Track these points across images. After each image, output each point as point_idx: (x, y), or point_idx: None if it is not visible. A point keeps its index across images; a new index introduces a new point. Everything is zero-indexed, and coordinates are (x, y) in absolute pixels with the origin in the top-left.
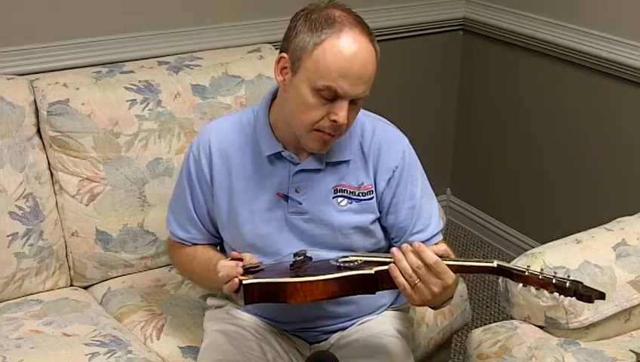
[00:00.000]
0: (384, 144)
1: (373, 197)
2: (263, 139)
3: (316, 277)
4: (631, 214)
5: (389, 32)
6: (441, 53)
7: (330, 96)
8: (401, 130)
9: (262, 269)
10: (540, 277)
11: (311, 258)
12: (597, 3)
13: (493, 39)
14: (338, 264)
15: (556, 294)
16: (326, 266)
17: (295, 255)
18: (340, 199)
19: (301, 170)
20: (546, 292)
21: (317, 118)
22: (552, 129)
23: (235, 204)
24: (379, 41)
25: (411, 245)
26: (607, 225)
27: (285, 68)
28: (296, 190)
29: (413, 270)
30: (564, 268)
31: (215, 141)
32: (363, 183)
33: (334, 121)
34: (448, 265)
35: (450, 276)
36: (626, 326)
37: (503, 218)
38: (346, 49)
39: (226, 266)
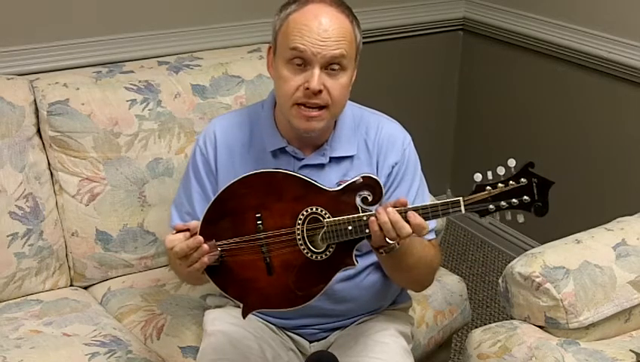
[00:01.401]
0: (387, 141)
1: None
2: (267, 135)
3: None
4: (631, 214)
5: (389, 32)
6: (441, 53)
7: (300, 62)
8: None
9: (222, 257)
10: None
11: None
12: (597, 3)
13: (493, 39)
14: (315, 256)
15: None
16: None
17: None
18: None
19: (305, 166)
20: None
21: (293, 88)
22: (552, 129)
23: None
24: (379, 41)
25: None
26: (607, 225)
27: (271, 59)
28: None
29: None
30: (563, 268)
31: (220, 135)
32: None
33: (307, 88)
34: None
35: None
36: (626, 326)
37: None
38: (307, 14)
39: (177, 240)
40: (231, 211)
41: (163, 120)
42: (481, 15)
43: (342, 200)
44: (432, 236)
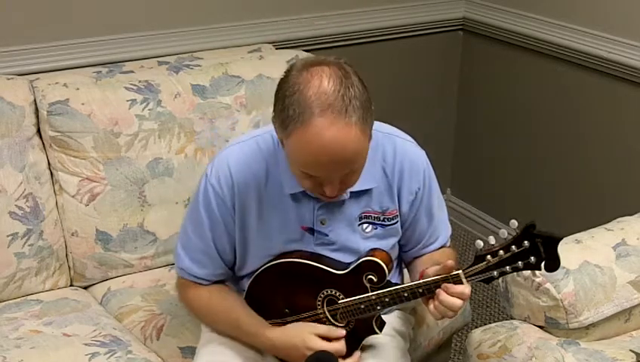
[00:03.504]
0: (406, 165)
1: (397, 222)
2: (286, 177)
3: None
4: (631, 214)
5: (389, 32)
6: (441, 53)
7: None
8: (403, 132)
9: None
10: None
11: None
12: (596, 3)
13: (493, 39)
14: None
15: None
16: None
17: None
18: (365, 225)
19: (325, 204)
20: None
21: (310, 188)
22: (552, 129)
23: (257, 237)
24: (379, 41)
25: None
26: (607, 225)
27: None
28: (321, 222)
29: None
30: (563, 268)
31: (235, 171)
32: (388, 208)
33: (324, 193)
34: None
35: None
36: (626, 326)
37: (503, 218)
38: (311, 138)
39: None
40: (260, 298)
41: (163, 120)
42: (481, 15)
43: (351, 280)
44: (447, 243)
